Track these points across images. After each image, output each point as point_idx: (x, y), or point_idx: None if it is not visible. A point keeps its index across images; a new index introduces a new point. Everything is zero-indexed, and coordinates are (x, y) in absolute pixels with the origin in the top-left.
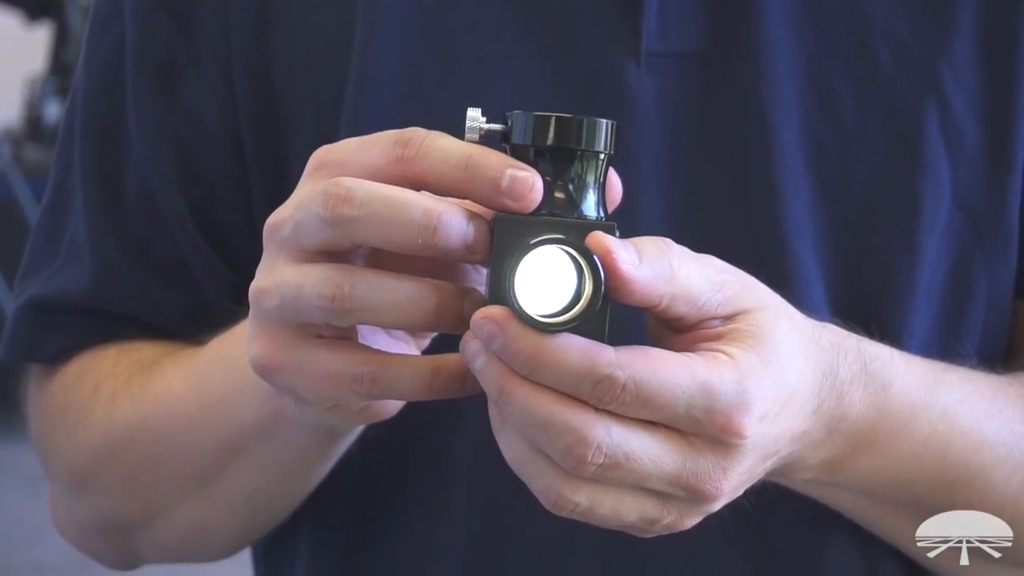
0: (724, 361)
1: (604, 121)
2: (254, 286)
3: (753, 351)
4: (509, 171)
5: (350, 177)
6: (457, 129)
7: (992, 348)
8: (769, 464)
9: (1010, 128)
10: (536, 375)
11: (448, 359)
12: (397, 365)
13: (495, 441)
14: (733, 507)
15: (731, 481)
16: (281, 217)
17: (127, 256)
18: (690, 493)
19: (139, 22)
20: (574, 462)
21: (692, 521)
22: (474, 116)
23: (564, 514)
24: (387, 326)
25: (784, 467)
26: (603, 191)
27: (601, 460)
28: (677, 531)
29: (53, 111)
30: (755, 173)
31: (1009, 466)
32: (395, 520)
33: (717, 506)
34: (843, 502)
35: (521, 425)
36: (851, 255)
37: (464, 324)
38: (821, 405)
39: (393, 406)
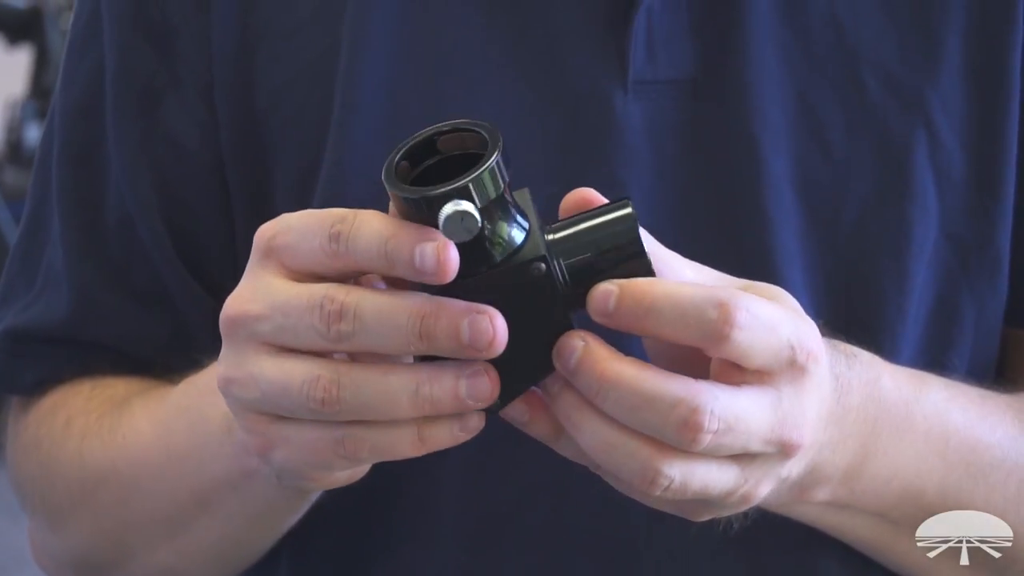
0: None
1: (490, 164)
2: (222, 375)
3: (785, 300)
4: (418, 249)
5: (341, 286)
6: None
7: (979, 376)
8: (810, 456)
9: (998, 157)
10: (655, 316)
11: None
12: (381, 423)
13: (482, 470)
14: (726, 528)
15: (809, 425)
16: (250, 312)
17: (105, 282)
18: (781, 446)
19: (118, 46)
20: (692, 433)
21: (765, 489)
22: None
23: (657, 493)
24: (382, 419)
25: (808, 477)
26: (515, 203)
27: (716, 426)
28: (747, 506)
29: (33, 134)
30: (744, 201)
31: (1006, 467)
32: (380, 551)
33: (793, 465)
34: (860, 530)
35: (628, 408)
36: (841, 283)
37: (461, 405)
38: (836, 389)
39: (361, 468)
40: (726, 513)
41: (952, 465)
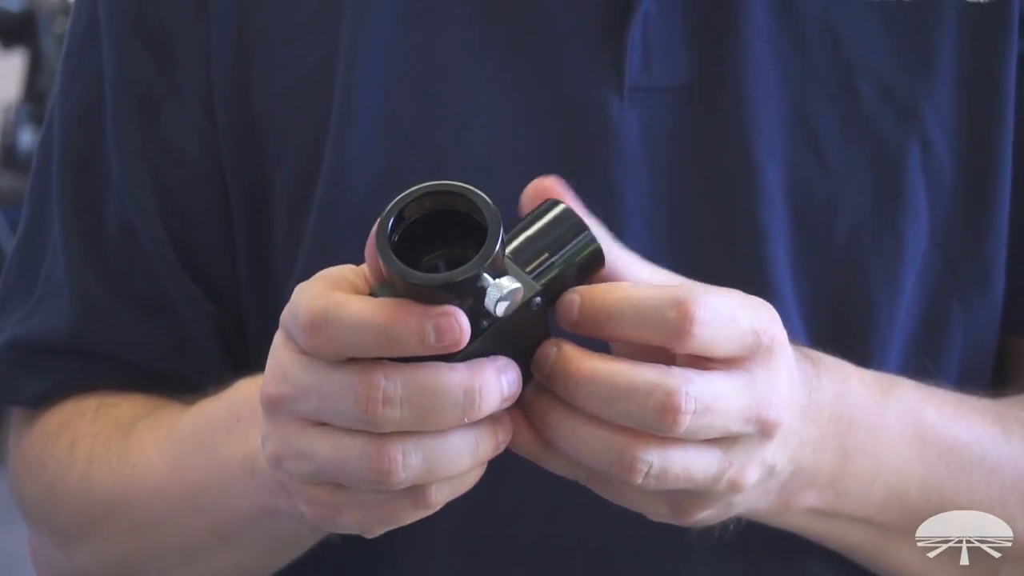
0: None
1: (493, 251)
2: (271, 453)
3: (739, 292)
4: (429, 326)
5: (377, 369)
6: (442, 160)
7: (971, 384)
8: (788, 448)
9: (990, 167)
10: (616, 320)
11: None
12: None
13: (480, 480)
14: (722, 532)
15: (784, 403)
16: (285, 394)
17: (107, 290)
18: (760, 424)
19: (117, 54)
20: (671, 416)
21: (753, 474)
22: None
23: (639, 481)
24: (447, 476)
25: (793, 480)
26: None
27: (693, 407)
28: (737, 495)
29: (27, 138)
30: (739, 208)
31: (987, 465)
32: (379, 560)
33: (775, 449)
34: (849, 539)
35: (605, 401)
36: (833, 292)
37: (496, 451)
38: (806, 383)
39: None
40: (718, 506)
41: (931, 463)
